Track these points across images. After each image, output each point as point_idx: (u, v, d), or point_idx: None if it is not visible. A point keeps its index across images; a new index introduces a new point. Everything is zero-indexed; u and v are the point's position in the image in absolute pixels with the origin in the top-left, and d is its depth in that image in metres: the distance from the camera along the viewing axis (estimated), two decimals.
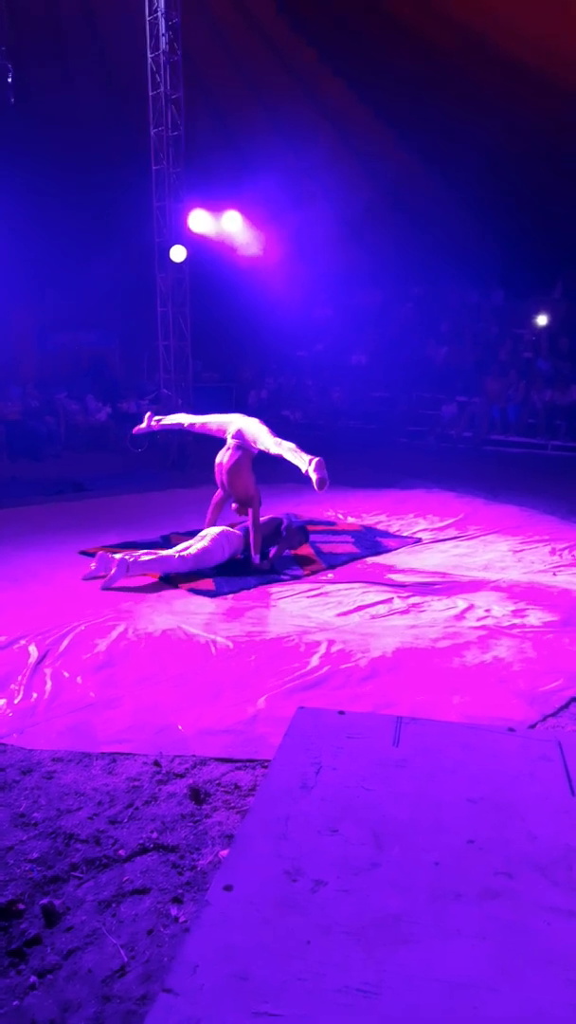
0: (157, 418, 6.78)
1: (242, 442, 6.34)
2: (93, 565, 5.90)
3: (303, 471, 5.89)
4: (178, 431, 6.81)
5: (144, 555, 5.97)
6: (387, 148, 15.59)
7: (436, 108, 14.54)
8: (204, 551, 6.17)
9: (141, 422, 7.01)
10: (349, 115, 15.80)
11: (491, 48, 13.28)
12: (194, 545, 6.22)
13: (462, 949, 1.87)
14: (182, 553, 6.10)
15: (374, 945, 1.86)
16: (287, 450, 6.05)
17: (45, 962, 2.17)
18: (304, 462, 5.88)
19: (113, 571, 5.75)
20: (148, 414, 6.79)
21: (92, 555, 6.51)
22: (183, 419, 6.76)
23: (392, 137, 15.40)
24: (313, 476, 5.78)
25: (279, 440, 6.18)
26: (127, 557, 5.85)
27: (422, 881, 2.10)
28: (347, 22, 14.25)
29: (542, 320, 16.45)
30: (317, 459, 5.82)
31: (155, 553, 6.06)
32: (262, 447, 6.26)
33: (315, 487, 5.79)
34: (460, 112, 14.42)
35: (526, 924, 1.96)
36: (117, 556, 5.85)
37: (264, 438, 6.25)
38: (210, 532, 6.36)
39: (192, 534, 7.05)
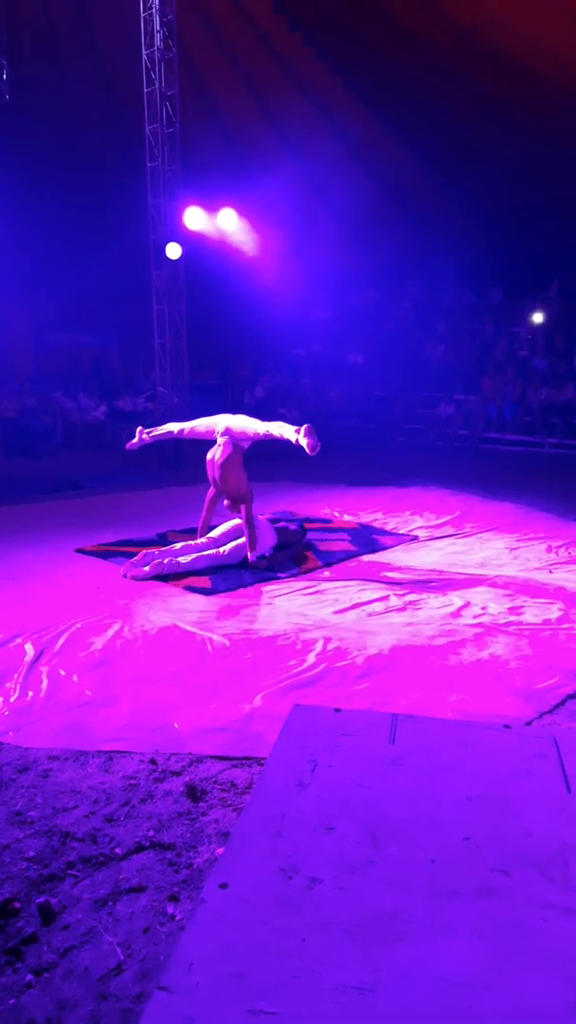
0: (148, 431, 6.80)
1: (232, 437, 6.36)
2: (145, 568, 5.95)
3: (294, 442, 5.93)
4: (172, 440, 6.87)
5: (182, 556, 6.10)
6: (385, 148, 15.59)
7: (434, 108, 14.53)
8: (242, 547, 6.31)
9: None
10: (347, 115, 15.79)
11: (489, 48, 13.27)
12: (233, 542, 6.38)
13: (458, 947, 1.87)
14: (220, 549, 6.30)
15: (370, 943, 1.86)
16: (275, 428, 6.17)
17: (41, 960, 2.17)
18: (292, 432, 5.94)
19: (147, 568, 5.87)
20: (139, 428, 6.82)
21: (89, 553, 6.53)
22: (173, 427, 6.80)
23: (390, 137, 15.41)
24: (304, 442, 5.81)
25: (266, 423, 6.31)
26: (164, 560, 5.98)
27: (418, 879, 2.10)
28: (345, 21, 14.24)
29: (538, 319, 16.46)
30: (306, 425, 5.88)
31: (193, 552, 6.22)
32: (252, 433, 6.33)
33: (308, 452, 5.82)
34: (458, 112, 14.44)
35: (522, 921, 1.96)
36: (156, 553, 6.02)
37: (251, 424, 6.37)
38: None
39: (189, 531, 7.07)
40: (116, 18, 13.65)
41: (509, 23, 12.52)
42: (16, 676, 4.09)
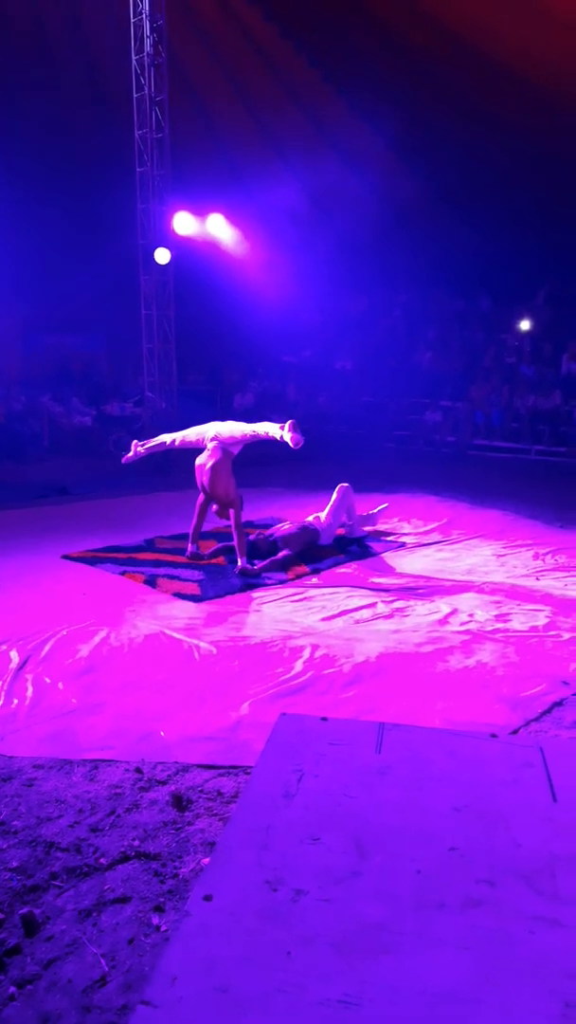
0: (142, 444, 6.86)
1: (220, 443, 6.39)
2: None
3: (278, 438, 6.16)
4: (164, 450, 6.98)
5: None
6: (375, 156, 15.63)
7: (424, 116, 14.59)
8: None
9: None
10: (336, 121, 15.83)
11: (479, 55, 13.33)
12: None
13: (445, 959, 1.86)
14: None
15: (356, 956, 1.84)
16: (261, 428, 6.40)
17: (25, 972, 2.15)
18: (277, 429, 6.19)
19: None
20: (134, 442, 6.90)
21: (76, 560, 6.51)
22: (165, 438, 6.86)
23: (378, 145, 15.45)
24: (288, 437, 6.07)
25: (252, 424, 6.55)
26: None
27: (404, 890, 2.09)
28: (335, 27, 14.28)
29: (526, 326, 16.52)
30: (290, 421, 6.17)
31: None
32: (240, 436, 6.45)
33: (291, 446, 6.09)
34: (446, 120, 14.49)
35: (509, 933, 1.95)
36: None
37: (238, 428, 6.54)
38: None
39: (177, 537, 7.05)
40: (105, 23, 13.66)
41: (497, 30, 12.59)
42: (1, 684, 4.06)
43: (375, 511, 7.62)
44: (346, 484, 7.16)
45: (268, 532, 6.71)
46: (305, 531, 6.73)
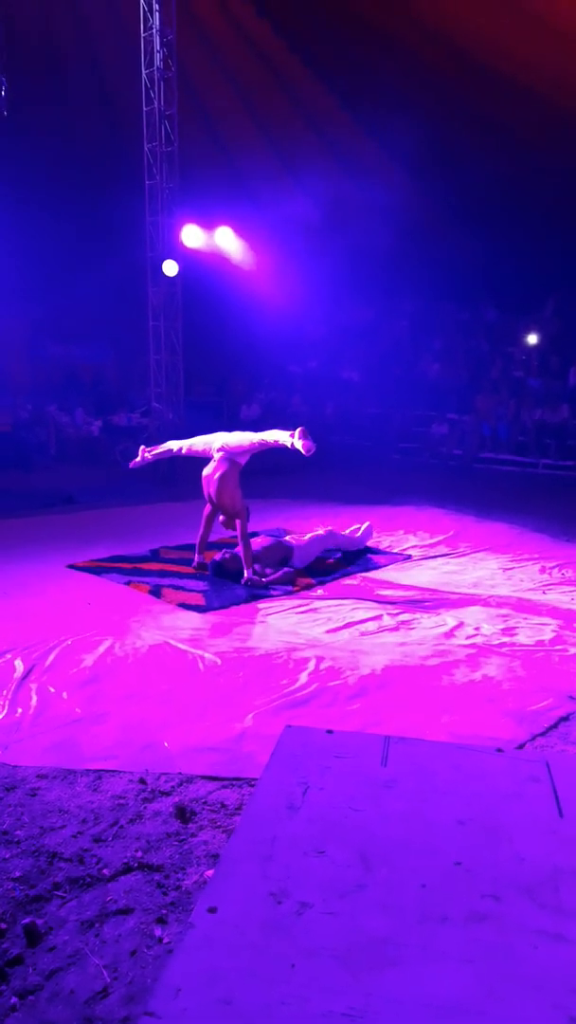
0: (149, 450, 6.86)
1: (228, 453, 6.39)
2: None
3: (289, 446, 6.10)
4: (170, 457, 6.96)
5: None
6: (380, 167, 15.70)
7: (429, 127, 14.65)
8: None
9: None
10: (342, 134, 15.91)
11: (484, 67, 13.41)
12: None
13: (448, 973, 1.85)
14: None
15: (360, 969, 1.84)
16: (270, 436, 6.32)
17: (27, 983, 2.14)
18: (287, 436, 6.12)
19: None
20: (142, 447, 6.90)
21: (81, 569, 6.51)
22: (172, 445, 6.86)
23: (385, 156, 15.53)
24: (299, 444, 6.01)
25: (261, 432, 6.46)
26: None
27: (409, 903, 2.08)
28: (343, 42, 14.39)
29: (533, 339, 16.52)
30: (300, 428, 6.09)
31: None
32: (248, 444, 6.42)
33: (303, 453, 6.02)
34: (453, 132, 14.55)
35: (512, 947, 1.94)
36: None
37: (246, 436, 6.50)
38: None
39: (183, 548, 7.06)
40: (116, 37, 13.78)
41: (500, 41, 12.68)
42: (5, 693, 4.06)
43: (355, 528, 7.49)
44: (330, 527, 7.15)
45: (236, 549, 6.45)
46: (279, 547, 6.66)
